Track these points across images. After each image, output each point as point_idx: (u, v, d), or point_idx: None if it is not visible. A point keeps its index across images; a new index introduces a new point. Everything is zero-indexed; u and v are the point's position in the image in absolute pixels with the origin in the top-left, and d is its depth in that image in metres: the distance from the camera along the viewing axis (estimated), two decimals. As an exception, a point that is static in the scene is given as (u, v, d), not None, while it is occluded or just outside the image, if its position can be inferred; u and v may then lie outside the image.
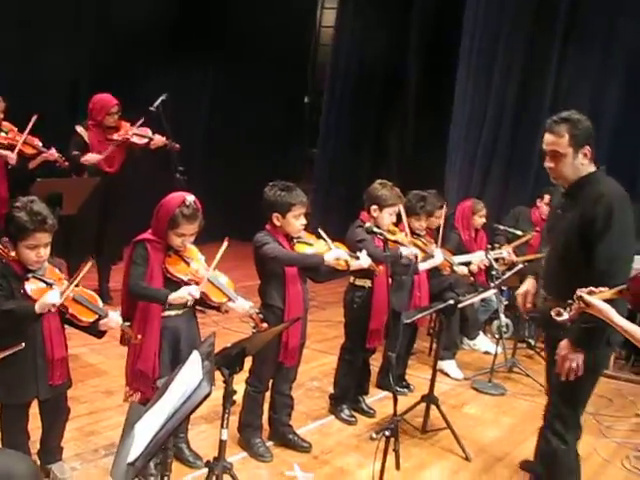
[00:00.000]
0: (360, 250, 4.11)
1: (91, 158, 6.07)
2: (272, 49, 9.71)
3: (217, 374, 2.77)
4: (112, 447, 3.89)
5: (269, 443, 4.14)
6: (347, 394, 4.70)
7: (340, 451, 4.25)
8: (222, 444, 3.04)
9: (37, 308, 2.99)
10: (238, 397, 3.20)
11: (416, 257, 4.45)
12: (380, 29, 9.70)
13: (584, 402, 3.48)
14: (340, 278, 4.29)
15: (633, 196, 7.52)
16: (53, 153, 5.80)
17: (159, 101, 6.08)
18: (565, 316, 2.80)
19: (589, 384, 3.42)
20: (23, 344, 2.98)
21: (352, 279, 4.50)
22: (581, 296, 2.72)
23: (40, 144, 5.77)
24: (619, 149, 7.71)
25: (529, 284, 3.80)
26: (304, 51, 10.99)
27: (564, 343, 3.25)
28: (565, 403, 3.42)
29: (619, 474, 4.38)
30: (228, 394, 2.93)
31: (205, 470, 3.54)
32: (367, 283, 4.45)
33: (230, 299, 3.50)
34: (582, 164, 3.28)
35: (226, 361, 2.85)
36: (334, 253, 3.92)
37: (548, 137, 3.31)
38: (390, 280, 4.37)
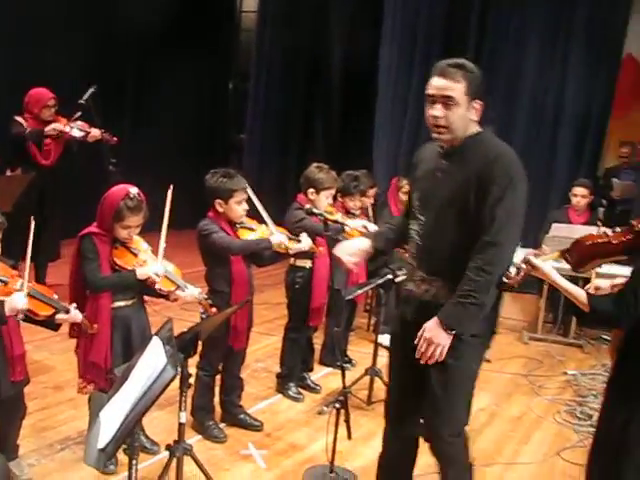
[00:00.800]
0: (301, 231, 4.24)
1: (57, 126, 6.07)
2: (192, 36, 9.69)
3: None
4: (67, 440, 3.97)
5: (222, 424, 4.25)
6: (293, 372, 4.85)
7: (291, 427, 4.40)
8: (181, 427, 3.11)
9: (7, 311, 2.99)
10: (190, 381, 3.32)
11: (365, 228, 4.60)
12: (303, 12, 9.81)
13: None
14: (281, 261, 4.42)
15: (553, 171, 8.00)
16: None
17: (89, 93, 6.04)
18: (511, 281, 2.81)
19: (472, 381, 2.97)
20: None
21: (292, 260, 4.62)
22: (529, 259, 2.86)
23: None
24: (537, 122, 8.10)
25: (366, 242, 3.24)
26: (225, 37, 10.99)
27: (431, 324, 2.78)
28: (453, 407, 2.94)
29: (552, 428, 4.69)
30: (184, 378, 3.02)
31: (162, 455, 3.68)
32: (307, 264, 4.59)
33: (179, 287, 3.59)
34: (471, 120, 2.83)
35: (180, 346, 2.95)
36: (278, 237, 4.01)
37: (440, 81, 2.78)
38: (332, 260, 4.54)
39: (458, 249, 2.79)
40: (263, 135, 10.36)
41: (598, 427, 2.94)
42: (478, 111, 2.83)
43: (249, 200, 4.04)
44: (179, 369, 2.39)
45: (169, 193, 3.54)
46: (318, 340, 5.30)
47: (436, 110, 2.79)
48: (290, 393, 4.79)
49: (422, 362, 2.81)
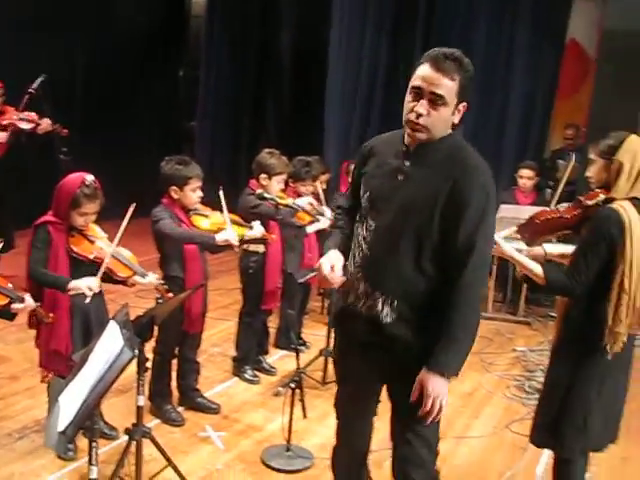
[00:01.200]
0: (255, 217, 4.31)
1: (2, 136, 5.95)
2: (142, 24, 9.63)
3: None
4: (25, 430, 3.99)
5: (180, 408, 4.32)
6: (249, 355, 4.92)
7: (248, 409, 4.49)
8: (139, 410, 3.16)
9: None
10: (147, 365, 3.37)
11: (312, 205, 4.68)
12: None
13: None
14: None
15: (501, 153, 8.16)
16: None
17: (38, 82, 5.97)
18: None
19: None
20: None
21: (246, 246, 4.68)
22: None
23: None
24: (484, 105, 8.25)
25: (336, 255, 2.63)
26: (175, 24, 10.94)
27: (432, 379, 2.46)
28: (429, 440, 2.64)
29: (501, 402, 4.88)
30: (141, 362, 3.08)
31: (121, 440, 3.72)
32: (260, 249, 4.64)
33: (136, 273, 3.63)
34: (451, 124, 2.50)
35: (137, 330, 3.00)
36: (225, 235, 3.99)
37: (434, 75, 2.38)
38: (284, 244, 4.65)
39: (411, 264, 2.48)
40: (214, 122, 10.36)
41: (542, 394, 3.14)
42: (461, 113, 2.49)
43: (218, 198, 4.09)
44: (136, 352, 2.44)
45: (130, 209, 3.50)
46: (273, 324, 5.38)
47: (422, 107, 2.41)
48: (246, 376, 4.87)
49: (429, 421, 2.51)
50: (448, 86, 2.39)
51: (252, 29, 10.13)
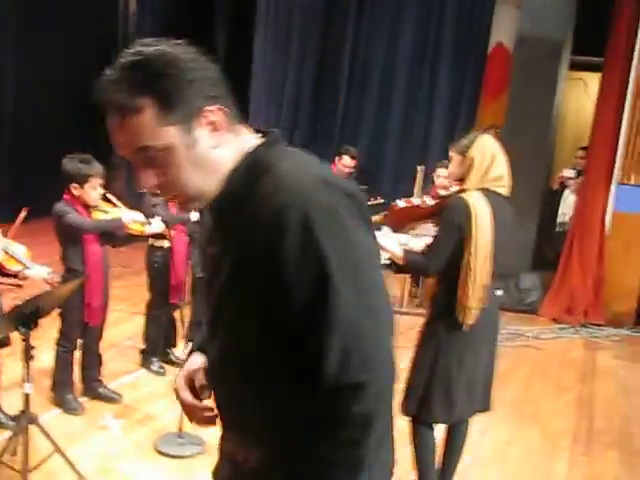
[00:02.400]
0: (153, 215, 4.46)
1: None
2: (78, 34, 9.69)
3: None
4: None
5: (83, 399, 4.45)
6: (156, 348, 5.06)
7: (150, 399, 4.63)
8: (26, 397, 3.30)
9: None
10: (49, 357, 3.51)
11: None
12: (184, 10, 9.98)
13: None
14: (138, 242, 4.64)
15: (428, 156, 8.41)
16: None
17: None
18: None
19: None
20: None
21: (151, 241, 4.82)
22: None
23: None
24: (412, 108, 8.48)
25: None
26: (112, 38, 10.98)
27: None
28: None
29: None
30: (26, 349, 3.22)
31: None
32: (165, 243, 4.77)
33: (26, 266, 3.75)
34: (214, 148, 1.47)
35: (22, 320, 3.14)
36: (130, 215, 4.23)
37: (112, 126, 1.44)
38: (189, 238, 4.80)
39: (264, 387, 1.52)
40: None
41: (411, 368, 3.35)
42: (219, 124, 1.46)
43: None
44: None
45: (21, 214, 3.74)
46: (187, 317, 5.49)
47: (145, 177, 1.47)
48: (153, 368, 5.02)
49: None
50: (140, 125, 1.40)
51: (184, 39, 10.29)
